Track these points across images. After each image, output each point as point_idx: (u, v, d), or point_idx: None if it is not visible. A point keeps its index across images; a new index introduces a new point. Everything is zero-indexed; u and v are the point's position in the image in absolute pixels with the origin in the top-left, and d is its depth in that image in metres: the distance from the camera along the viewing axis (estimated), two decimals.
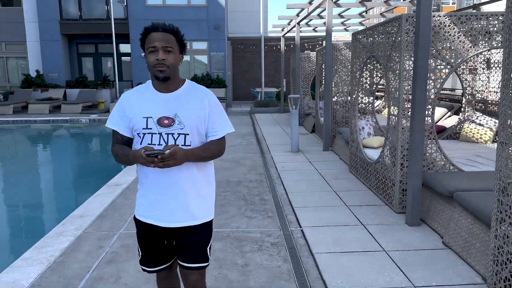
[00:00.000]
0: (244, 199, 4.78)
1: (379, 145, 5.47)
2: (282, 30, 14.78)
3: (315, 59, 10.57)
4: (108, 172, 6.33)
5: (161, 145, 1.77)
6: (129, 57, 18.21)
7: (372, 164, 4.93)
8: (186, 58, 17.81)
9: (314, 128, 9.77)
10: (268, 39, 20.56)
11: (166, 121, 1.78)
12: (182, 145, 1.77)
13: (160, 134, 1.78)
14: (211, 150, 1.86)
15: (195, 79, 17.19)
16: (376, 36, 4.89)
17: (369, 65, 5.62)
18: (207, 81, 17.04)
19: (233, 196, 4.87)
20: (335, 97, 7.80)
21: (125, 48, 18.50)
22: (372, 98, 6.08)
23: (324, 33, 9.95)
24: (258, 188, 5.20)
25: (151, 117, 1.79)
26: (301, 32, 13.25)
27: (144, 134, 1.80)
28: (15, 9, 17.49)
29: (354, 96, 5.77)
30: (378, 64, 5.52)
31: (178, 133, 1.78)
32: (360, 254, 3.27)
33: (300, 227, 3.88)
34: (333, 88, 7.73)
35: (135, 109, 1.82)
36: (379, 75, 5.75)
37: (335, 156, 7.07)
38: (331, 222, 3.96)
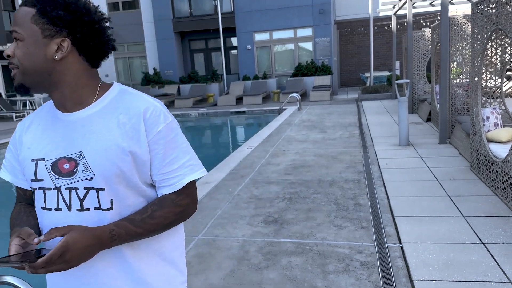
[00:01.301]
0: (336, 203, 4.22)
1: (508, 139, 4.41)
2: (393, 7, 13.45)
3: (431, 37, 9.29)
4: (207, 167, 6.23)
5: (60, 209, 1.07)
6: (236, 50, 18.48)
7: (499, 164, 3.95)
8: (290, 46, 17.45)
9: (430, 116, 8.60)
10: (378, 19, 19.08)
11: (66, 166, 1.05)
12: (95, 208, 1.04)
13: (58, 190, 1.06)
14: (160, 217, 1.08)
15: (299, 67, 16.73)
16: (503, 5, 3.86)
17: (497, 40, 4.54)
18: (312, 68, 16.47)
19: (324, 199, 4.34)
20: (457, 79, 6.66)
21: (232, 41, 18.82)
22: (500, 80, 4.96)
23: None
24: (354, 190, 4.58)
25: (43, 159, 1.08)
26: (415, 8, 11.87)
27: (34, 189, 1.11)
28: (135, 11, 18.92)
29: (476, 78, 4.74)
30: (507, 39, 4.43)
31: (85, 188, 1.04)
32: (478, 286, 2.52)
33: (400, 243, 3.22)
34: (454, 68, 6.59)
35: (25, 147, 1.14)
36: (508, 52, 4.63)
37: (453, 150, 6.03)
38: (441, 239, 3.21)
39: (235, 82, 17.30)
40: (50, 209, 1.09)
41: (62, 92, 1.08)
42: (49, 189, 1.08)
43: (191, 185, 1.14)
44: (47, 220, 1.10)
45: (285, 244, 3.35)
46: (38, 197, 1.11)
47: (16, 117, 14.92)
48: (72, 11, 1.03)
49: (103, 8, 18.72)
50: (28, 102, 17.15)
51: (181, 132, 1.14)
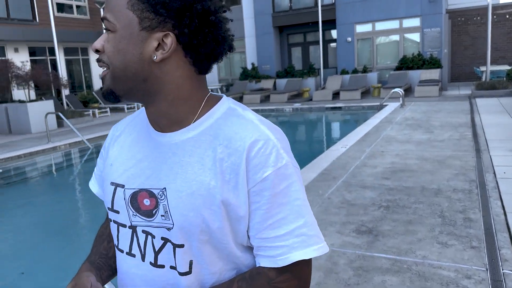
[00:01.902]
0: (441, 215, 3.72)
1: None
2: None
3: None
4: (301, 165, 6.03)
5: (133, 255, 0.84)
6: (335, 43, 17.92)
7: None
8: (394, 37, 16.39)
9: None
10: (498, 7, 17.04)
11: (146, 202, 0.81)
12: (171, 267, 0.81)
13: (134, 230, 0.84)
14: None
15: (404, 60, 15.64)
16: None
17: None
18: (418, 61, 15.29)
19: (427, 211, 3.86)
20: None
21: (331, 34, 18.29)
22: None
23: None
24: (463, 202, 4.02)
25: (122, 186, 0.85)
26: None
27: (111, 221, 0.90)
28: (236, 7, 19.34)
29: None
30: None
31: (162, 238, 0.81)
32: None
33: None
34: None
35: (108, 162, 0.91)
36: None
37: None
38: None
39: (332, 76, 16.79)
40: (122, 251, 0.87)
41: (158, 106, 0.80)
42: (124, 226, 0.85)
43: (302, 264, 0.78)
44: (120, 263, 0.89)
45: (379, 259, 3.01)
46: (113, 231, 0.90)
47: (128, 108, 16.18)
48: None
49: None
50: None
51: (300, 182, 0.79)
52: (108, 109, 15.56)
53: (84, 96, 16.57)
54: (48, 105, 12.08)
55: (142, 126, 0.89)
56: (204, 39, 0.77)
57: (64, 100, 15.04)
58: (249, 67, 18.95)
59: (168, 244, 0.80)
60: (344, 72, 16.89)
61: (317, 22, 16.90)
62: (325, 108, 13.61)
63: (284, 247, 0.76)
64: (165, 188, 0.79)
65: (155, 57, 0.75)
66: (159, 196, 0.79)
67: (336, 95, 15.73)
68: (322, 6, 16.74)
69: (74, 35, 16.56)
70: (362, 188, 4.67)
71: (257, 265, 0.80)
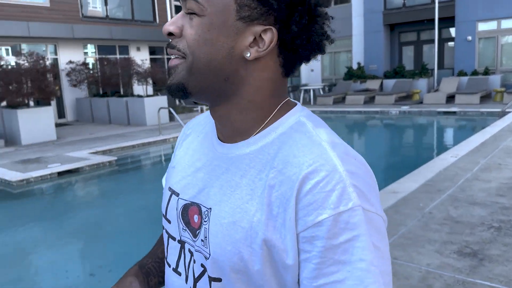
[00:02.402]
0: None
1: None
2: None
3: None
4: (398, 174, 5.66)
5: (179, 274, 0.75)
6: (453, 42, 16.50)
7: None
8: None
9: None
10: None
11: (195, 218, 0.71)
12: None
13: (182, 245, 0.74)
14: None
15: None
16: None
17: None
18: None
19: None
20: None
21: (449, 33, 16.87)
22: None
23: None
24: None
25: (177, 195, 0.76)
26: None
27: (163, 228, 0.81)
28: (344, 5, 18.88)
29: None
30: None
31: (201, 265, 0.70)
32: None
33: None
34: None
35: (172, 162, 0.84)
36: None
37: None
38: None
39: (448, 78, 15.48)
40: (170, 265, 0.77)
41: (227, 109, 0.68)
42: (174, 239, 0.76)
43: None
44: (166, 277, 0.79)
45: (482, 287, 2.66)
46: (164, 240, 0.80)
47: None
48: None
49: None
50: None
51: (375, 233, 0.59)
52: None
53: None
54: (162, 100, 13.08)
55: (210, 129, 0.78)
56: (308, 39, 0.64)
57: None
58: (355, 66, 18.37)
59: (206, 274, 0.69)
60: (461, 73, 15.46)
61: (433, 20, 15.71)
62: (437, 112, 12.60)
63: None
64: (210, 208, 0.68)
65: (248, 54, 0.63)
66: (204, 216, 0.69)
67: (450, 98, 14.48)
68: (439, 2, 15.53)
69: None
70: (471, 204, 4.19)
71: None
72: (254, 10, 0.61)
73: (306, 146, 0.62)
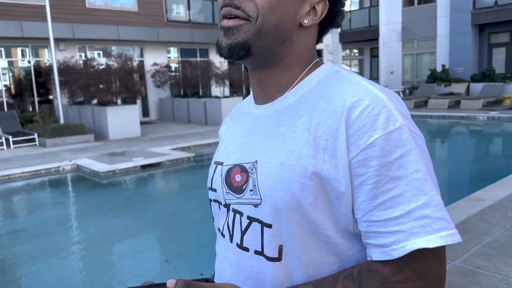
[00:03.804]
0: None
1: None
2: None
3: None
4: (485, 182, 5.25)
5: (224, 235, 0.79)
6: None
7: None
8: None
9: None
10: None
11: (237, 177, 0.74)
12: (256, 253, 0.71)
13: (228, 208, 0.77)
14: None
15: None
16: None
17: None
18: None
19: None
20: None
21: None
22: None
23: None
24: None
25: (222, 164, 0.80)
26: None
27: (210, 201, 0.85)
28: (428, 6, 17.95)
29: None
30: None
31: (248, 217, 0.72)
32: None
33: None
34: None
35: (219, 146, 0.89)
36: None
37: None
38: None
39: None
40: (219, 230, 0.81)
41: (274, 71, 0.75)
42: (220, 203, 0.80)
43: (427, 258, 0.61)
44: (217, 244, 0.84)
45: None
46: (215, 212, 0.85)
47: None
48: None
49: (398, 5, 18.61)
50: None
51: (421, 152, 0.64)
52: None
53: None
54: (238, 101, 13.39)
55: (246, 106, 0.86)
56: (340, 14, 0.78)
57: None
58: (439, 69, 17.35)
59: (255, 223, 0.70)
60: None
61: None
62: None
63: (400, 233, 0.60)
64: (256, 161, 0.71)
65: (306, 21, 0.72)
66: (250, 170, 0.72)
67: None
68: None
69: None
70: None
71: (368, 259, 0.65)
72: None
73: (346, 85, 0.68)
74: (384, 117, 0.62)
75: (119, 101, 12.35)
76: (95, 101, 11.84)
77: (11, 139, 9.93)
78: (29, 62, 13.17)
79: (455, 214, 3.99)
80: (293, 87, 0.74)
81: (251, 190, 0.71)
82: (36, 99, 13.30)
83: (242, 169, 0.74)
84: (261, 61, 0.74)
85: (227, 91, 15.20)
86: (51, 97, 13.63)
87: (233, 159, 0.77)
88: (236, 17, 0.70)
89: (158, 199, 6.23)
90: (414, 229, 0.59)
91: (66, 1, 12.91)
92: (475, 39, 16.87)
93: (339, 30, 21.30)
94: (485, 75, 16.03)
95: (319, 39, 0.79)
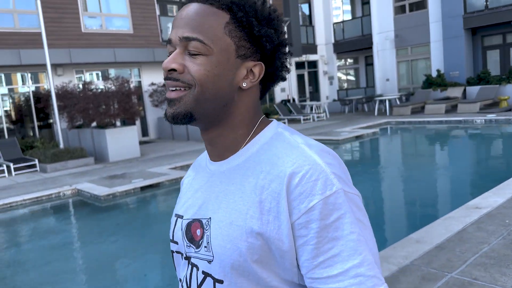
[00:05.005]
0: None
1: None
2: None
3: None
4: (483, 188, 5.27)
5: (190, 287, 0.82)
6: None
7: None
8: None
9: None
10: None
11: (198, 232, 0.79)
12: None
13: (188, 260, 0.82)
14: None
15: None
16: None
17: None
18: None
19: None
20: None
21: None
22: None
23: None
24: None
25: (182, 217, 0.86)
26: None
27: (173, 252, 0.90)
28: (420, 12, 18.12)
29: None
30: None
31: (203, 272, 0.78)
32: None
33: None
34: None
35: (179, 197, 0.94)
36: None
37: None
38: None
39: None
40: (181, 280, 0.86)
41: (220, 131, 0.80)
42: (182, 255, 0.84)
43: None
44: None
45: None
46: (177, 263, 0.90)
47: (303, 119, 16.82)
48: (275, 30, 0.78)
49: (390, 13, 18.80)
50: (314, 106, 19.06)
51: (355, 213, 0.70)
52: (286, 120, 16.46)
53: (266, 108, 17.91)
54: None
55: (204, 160, 0.90)
56: (282, 70, 0.83)
57: None
58: (434, 74, 17.45)
59: (208, 278, 0.76)
60: None
61: None
62: None
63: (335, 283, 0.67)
64: (210, 218, 0.77)
65: (244, 85, 0.77)
66: (205, 226, 0.77)
67: None
68: None
69: None
70: None
71: None
72: (248, 50, 0.76)
73: (287, 149, 0.74)
74: (322, 182, 0.68)
75: (118, 123, 12.43)
76: (94, 124, 11.93)
77: (12, 166, 9.99)
78: (28, 88, 13.30)
79: (452, 223, 4.01)
80: (243, 146, 0.79)
81: (205, 247, 0.77)
82: (36, 124, 13.40)
83: (201, 225, 0.79)
84: (206, 123, 0.79)
85: None
86: (50, 121, 13.73)
87: (192, 213, 0.82)
88: (178, 89, 0.75)
89: (158, 221, 6.25)
90: (351, 286, 0.66)
91: (62, 27, 13.09)
92: (468, 42, 16.99)
93: (332, 40, 21.51)
94: (481, 78, 16.10)
95: (262, 96, 0.85)
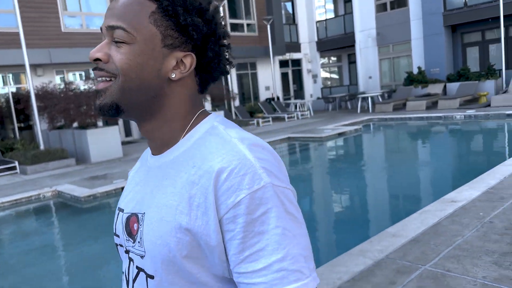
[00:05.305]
0: None
1: None
2: None
3: None
4: (461, 182, 5.35)
5: (127, 281, 0.83)
6: None
7: None
8: None
9: None
10: None
11: (135, 226, 0.79)
12: None
13: (128, 253, 0.83)
14: None
15: None
16: None
17: None
18: None
19: None
20: None
21: None
22: None
23: None
24: None
25: (123, 210, 0.86)
26: None
27: (116, 245, 0.90)
28: (401, 10, 18.34)
29: None
30: None
31: (137, 267, 0.79)
32: None
33: None
34: None
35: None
36: None
37: None
38: None
39: None
40: (123, 273, 0.86)
41: (154, 124, 0.79)
42: (123, 248, 0.85)
43: None
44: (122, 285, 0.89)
45: None
46: (121, 254, 0.88)
47: (288, 117, 16.88)
48: (206, 20, 0.76)
49: (372, 11, 18.97)
50: (298, 104, 19.14)
51: (283, 207, 0.69)
52: (270, 119, 16.50)
53: (251, 107, 17.94)
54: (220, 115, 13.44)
55: (146, 153, 0.89)
56: (219, 63, 0.80)
57: (233, 111, 16.55)
58: (415, 71, 17.69)
59: (141, 273, 0.77)
60: None
61: (498, 18, 14.82)
62: (506, 115, 11.77)
63: (262, 284, 0.66)
64: (144, 213, 0.77)
65: (173, 75, 0.75)
66: (140, 221, 0.77)
67: None
68: None
69: (244, 51, 18.10)
70: None
71: None
72: (176, 39, 0.75)
73: (219, 144, 0.73)
74: (250, 177, 0.67)
75: (100, 123, 12.30)
76: (75, 124, 11.78)
77: None
78: (8, 89, 13.07)
79: (428, 217, 4.08)
80: (179, 140, 0.78)
81: (138, 242, 0.76)
82: (16, 125, 13.18)
83: (137, 219, 0.79)
84: (137, 116, 0.78)
85: (207, 105, 15.24)
86: (31, 123, 13.52)
87: (131, 207, 0.82)
88: (104, 79, 0.75)
89: None
90: (274, 281, 0.66)
91: (41, 27, 12.88)
92: (448, 39, 17.26)
93: (316, 38, 21.63)
94: (461, 75, 16.37)
95: (203, 89, 0.82)
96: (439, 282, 2.83)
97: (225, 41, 0.81)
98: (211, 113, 0.83)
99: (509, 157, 6.67)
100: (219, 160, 0.70)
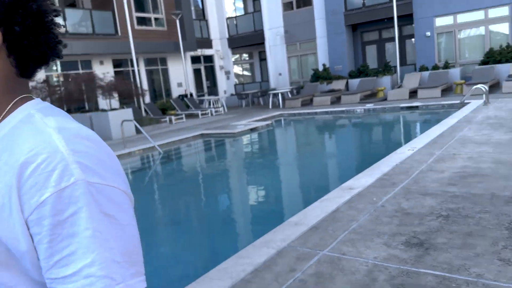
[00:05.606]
0: (509, 227, 3.25)
1: None
2: None
3: None
4: (361, 170, 5.68)
5: None
6: (413, 39, 16.93)
7: None
8: (479, 29, 15.02)
9: None
10: None
11: None
12: None
13: None
14: None
15: (490, 54, 14.27)
16: None
17: None
18: (507, 54, 13.88)
19: (493, 221, 3.40)
20: None
21: (408, 30, 17.30)
22: None
23: None
24: None
25: None
26: None
27: None
28: (306, 9, 19.11)
29: None
30: None
31: None
32: None
33: None
34: None
35: None
36: None
37: None
38: None
39: (410, 73, 15.85)
40: None
41: None
42: None
43: None
44: None
45: (425, 276, 2.69)
46: None
47: (201, 114, 16.74)
48: None
49: (279, 9, 19.50)
50: (212, 101, 19.08)
51: (107, 205, 0.62)
52: (183, 116, 16.23)
53: (163, 104, 17.46)
54: (127, 113, 12.89)
55: None
56: (36, 41, 0.70)
57: (143, 108, 15.98)
58: (321, 68, 18.59)
59: None
60: (423, 68, 15.86)
61: (393, 18, 16.11)
62: (400, 107, 12.85)
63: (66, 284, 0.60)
64: None
65: None
66: None
67: (413, 93, 14.82)
68: (397, 0, 15.92)
69: (153, 46, 17.55)
70: (423, 195, 4.26)
71: None
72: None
73: (31, 134, 0.63)
74: (58, 173, 0.60)
75: None
76: None
77: None
78: None
79: (328, 205, 4.28)
80: None
81: None
82: None
83: None
84: None
85: (116, 103, 14.54)
86: None
87: None
88: None
89: None
90: (83, 287, 0.60)
91: None
92: (349, 38, 18.37)
93: (227, 35, 21.71)
94: (361, 71, 17.56)
95: (24, 72, 0.72)
96: (335, 266, 2.97)
97: (50, 16, 0.71)
98: (35, 99, 0.73)
99: (402, 146, 7.27)
100: (26, 152, 0.61)
